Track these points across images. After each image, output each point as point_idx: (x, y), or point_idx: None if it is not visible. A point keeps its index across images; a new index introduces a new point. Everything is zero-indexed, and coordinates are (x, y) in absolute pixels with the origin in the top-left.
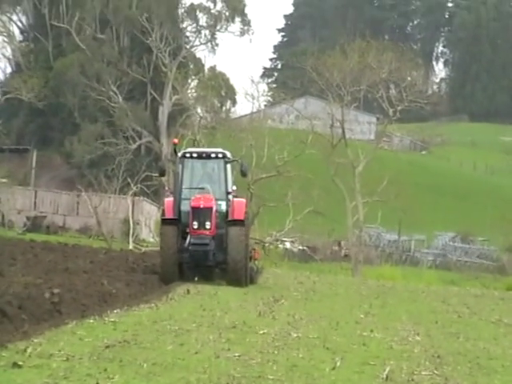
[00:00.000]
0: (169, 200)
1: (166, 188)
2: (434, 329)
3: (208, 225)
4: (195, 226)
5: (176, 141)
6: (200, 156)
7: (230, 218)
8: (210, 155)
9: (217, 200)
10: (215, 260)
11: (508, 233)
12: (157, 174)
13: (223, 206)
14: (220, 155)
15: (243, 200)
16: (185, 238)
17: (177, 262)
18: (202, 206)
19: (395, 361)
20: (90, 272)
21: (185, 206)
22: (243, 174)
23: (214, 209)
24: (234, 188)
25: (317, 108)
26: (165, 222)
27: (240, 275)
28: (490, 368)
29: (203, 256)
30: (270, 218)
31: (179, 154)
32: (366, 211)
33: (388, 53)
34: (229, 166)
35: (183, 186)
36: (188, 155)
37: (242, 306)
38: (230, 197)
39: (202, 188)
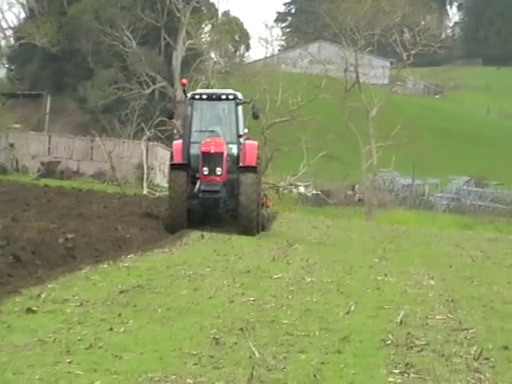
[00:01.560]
0: (178, 143)
1: (175, 131)
2: (448, 273)
3: (219, 171)
4: (205, 172)
5: (185, 81)
6: (210, 97)
7: (241, 164)
8: (220, 96)
9: (228, 143)
10: (226, 207)
11: None
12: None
13: (234, 149)
14: (231, 96)
15: (255, 143)
16: (194, 184)
17: (185, 209)
18: (212, 151)
19: (409, 305)
20: (103, 217)
21: (194, 150)
22: (255, 116)
23: (226, 153)
24: (246, 131)
25: (330, 52)
26: (173, 167)
27: (252, 223)
28: (505, 312)
29: (214, 203)
30: (283, 163)
31: (188, 96)
32: (379, 155)
33: None
34: (240, 107)
35: (193, 129)
36: (197, 97)
37: (255, 251)
38: (242, 140)
39: (212, 131)
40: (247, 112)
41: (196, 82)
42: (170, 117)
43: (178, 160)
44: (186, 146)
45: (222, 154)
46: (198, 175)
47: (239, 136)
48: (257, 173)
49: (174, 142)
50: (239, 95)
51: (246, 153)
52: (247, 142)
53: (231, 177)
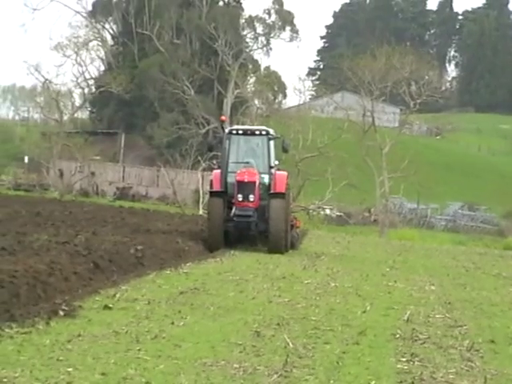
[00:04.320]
0: (217, 173)
1: (214, 162)
2: (446, 280)
3: (251, 198)
4: (240, 199)
5: (224, 118)
6: (245, 133)
7: (272, 191)
8: (254, 132)
9: (260, 173)
10: (258, 230)
11: (506, 202)
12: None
13: (266, 179)
14: (264, 132)
15: (285, 173)
16: (230, 208)
17: (223, 231)
18: (246, 180)
19: (414, 306)
20: (167, 232)
21: (231, 179)
22: (284, 150)
23: (258, 182)
24: (277, 162)
25: (351, 101)
26: (212, 194)
27: (280, 244)
28: (491, 312)
29: (247, 226)
30: (312, 190)
31: (226, 131)
32: (390, 184)
33: (409, 56)
34: (272, 142)
35: (230, 161)
36: (234, 132)
37: (290, 261)
38: (273, 170)
39: (247, 162)
40: (278, 146)
41: (242, 124)
42: (210, 149)
43: (216, 187)
44: (224, 176)
45: (254, 182)
46: (233, 201)
47: (271, 167)
48: (285, 199)
49: (214, 172)
50: (271, 131)
51: (277, 181)
52: (278, 172)
53: (263, 203)
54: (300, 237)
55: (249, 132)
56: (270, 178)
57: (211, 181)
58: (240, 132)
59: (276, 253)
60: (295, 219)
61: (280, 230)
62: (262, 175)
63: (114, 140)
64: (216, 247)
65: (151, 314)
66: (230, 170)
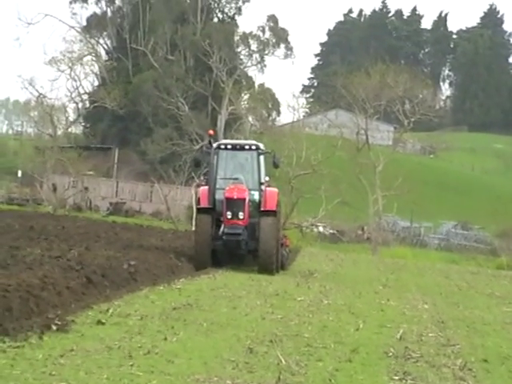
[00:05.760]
0: (204, 189)
1: (201, 178)
2: (439, 299)
3: (241, 215)
4: (229, 216)
5: (211, 132)
6: (234, 147)
7: (262, 209)
8: (243, 147)
9: (250, 190)
10: (247, 248)
11: (499, 222)
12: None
13: (256, 195)
14: (253, 147)
15: (275, 190)
16: (219, 226)
17: (210, 249)
18: (235, 197)
19: (407, 324)
20: (160, 248)
21: (219, 196)
22: (275, 165)
23: (247, 199)
24: (267, 179)
25: (345, 118)
26: (200, 210)
27: (271, 264)
28: (484, 331)
29: (236, 245)
30: (306, 207)
31: (214, 145)
32: (384, 203)
33: (403, 75)
34: (262, 157)
35: (218, 177)
36: (223, 146)
37: (283, 278)
38: (263, 187)
39: (236, 178)
40: (269, 163)
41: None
42: (197, 165)
43: (204, 204)
44: (212, 192)
45: (244, 200)
46: (222, 219)
47: (261, 183)
48: (276, 217)
49: (201, 188)
50: (261, 146)
51: (267, 198)
52: (268, 188)
53: (253, 220)
54: (289, 256)
55: (238, 146)
56: (260, 195)
57: (198, 198)
58: (228, 147)
59: (266, 273)
60: (285, 237)
61: (271, 250)
62: (252, 192)
63: (107, 155)
64: (203, 266)
65: (144, 329)
66: (218, 186)
